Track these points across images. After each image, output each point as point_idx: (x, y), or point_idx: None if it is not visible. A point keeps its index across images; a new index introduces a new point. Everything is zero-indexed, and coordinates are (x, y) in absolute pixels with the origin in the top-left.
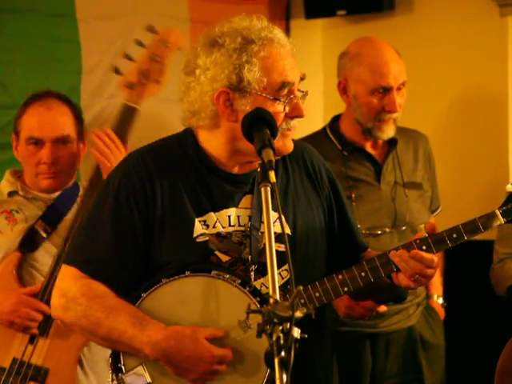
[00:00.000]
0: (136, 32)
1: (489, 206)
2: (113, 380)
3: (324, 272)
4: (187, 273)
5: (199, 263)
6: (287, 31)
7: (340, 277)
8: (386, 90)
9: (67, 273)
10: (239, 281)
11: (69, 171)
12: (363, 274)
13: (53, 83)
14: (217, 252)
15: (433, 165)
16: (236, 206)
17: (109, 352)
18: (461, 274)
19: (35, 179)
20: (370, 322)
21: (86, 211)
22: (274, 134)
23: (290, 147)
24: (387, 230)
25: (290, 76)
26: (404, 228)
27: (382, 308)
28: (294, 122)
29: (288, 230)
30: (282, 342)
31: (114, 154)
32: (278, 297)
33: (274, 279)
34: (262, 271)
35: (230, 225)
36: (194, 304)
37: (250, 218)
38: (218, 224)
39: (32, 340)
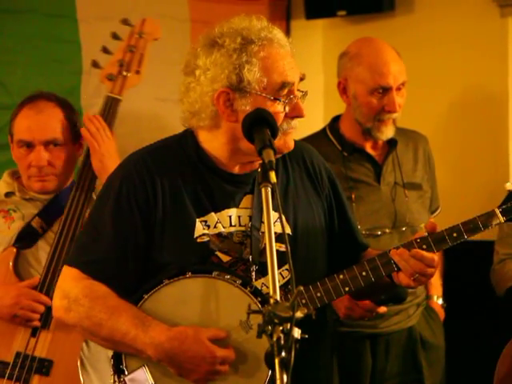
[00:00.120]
0: None
1: (489, 206)
2: (115, 381)
3: (325, 272)
4: (188, 274)
5: (200, 263)
6: (287, 31)
7: (341, 276)
8: (386, 90)
9: (69, 274)
10: (240, 281)
11: (63, 173)
12: (364, 273)
13: (53, 84)
14: (217, 252)
15: (432, 166)
16: (237, 206)
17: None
18: (461, 274)
19: (28, 181)
20: (370, 322)
21: (79, 199)
22: (274, 135)
23: (291, 145)
24: (387, 230)
25: (290, 76)
26: (404, 229)
27: (382, 309)
28: (295, 122)
29: (288, 230)
30: (282, 342)
31: (103, 139)
32: (278, 297)
33: (275, 279)
34: (262, 271)
35: (230, 225)
36: (195, 305)
37: (250, 218)
38: (218, 224)
39: (34, 333)
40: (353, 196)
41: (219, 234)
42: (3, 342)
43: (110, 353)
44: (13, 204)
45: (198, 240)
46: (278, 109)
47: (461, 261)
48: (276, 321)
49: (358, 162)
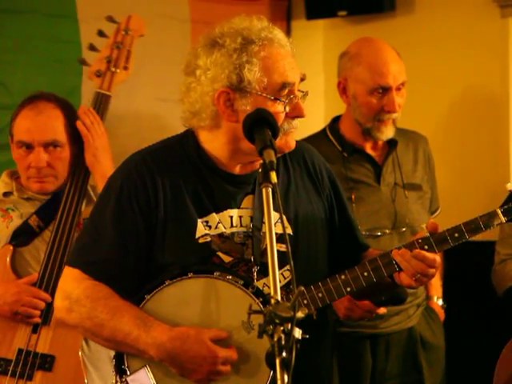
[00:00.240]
0: None
1: (489, 206)
2: (117, 382)
3: (326, 272)
4: (190, 274)
5: (201, 264)
6: (288, 32)
7: (343, 277)
8: (385, 90)
9: (70, 274)
10: (242, 282)
11: (62, 174)
12: (366, 273)
13: (54, 84)
14: (219, 253)
15: (432, 166)
16: (238, 206)
17: None
18: (461, 275)
19: (27, 182)
20: (370, 322)
21: (74, 195)
22: (275, 135)
23: (293, 145)
24: (387, 231)
25: (291, 76)
26: (404, 229)
27: (382, 310)
28: (296, 122)
29: (289, 230)
30: (283, 342)
31: (96, 132)
32: (279, 297)
33: (276, 280)
34: (264, 272)
35: (232, 225)
36: (197, 305)
37: (251, 218)
38: (220, 225)
39: (35, 329)
40: (353, 196)
41: (221, 235)
42: (4, 339)
43: (112, 353)
44: (11, 203)
45: (200, 240)
46: (279, 109)
47: (461, 261)
48: (277, 321)
49: (358, 163)
